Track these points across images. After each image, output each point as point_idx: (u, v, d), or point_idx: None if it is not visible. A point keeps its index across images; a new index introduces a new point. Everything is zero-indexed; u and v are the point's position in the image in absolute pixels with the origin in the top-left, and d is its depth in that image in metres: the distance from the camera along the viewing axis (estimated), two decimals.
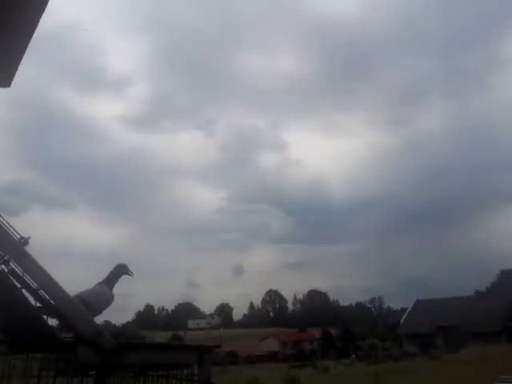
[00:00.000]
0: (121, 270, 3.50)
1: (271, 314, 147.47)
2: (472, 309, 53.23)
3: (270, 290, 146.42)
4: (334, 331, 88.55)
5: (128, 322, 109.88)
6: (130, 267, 3.64)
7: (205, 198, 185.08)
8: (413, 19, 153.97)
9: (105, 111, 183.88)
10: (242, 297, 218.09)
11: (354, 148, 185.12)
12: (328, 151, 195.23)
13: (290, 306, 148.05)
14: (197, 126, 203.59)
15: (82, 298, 2.87)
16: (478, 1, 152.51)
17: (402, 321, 64.35)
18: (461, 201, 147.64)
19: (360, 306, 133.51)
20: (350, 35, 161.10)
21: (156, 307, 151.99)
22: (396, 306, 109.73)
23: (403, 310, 71.55)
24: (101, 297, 3.20)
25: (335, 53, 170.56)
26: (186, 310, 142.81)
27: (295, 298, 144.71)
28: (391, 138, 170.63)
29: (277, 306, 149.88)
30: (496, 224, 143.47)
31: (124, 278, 3.65)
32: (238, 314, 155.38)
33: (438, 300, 60.32)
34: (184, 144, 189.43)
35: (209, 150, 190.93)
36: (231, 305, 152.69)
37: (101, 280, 3.40)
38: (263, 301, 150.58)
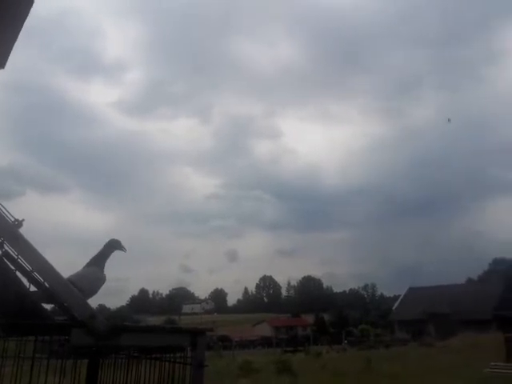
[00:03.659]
0: (113, 246, 3.41)
1: (265, 299, 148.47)
2: (463, 297, 53.84)
3: (265, 276, 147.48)
4: (327, 317, 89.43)
5: (122, 306, 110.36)
6: (126, 252, 3.60)
7: (199, 185, 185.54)
8: (409, 10, 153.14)
9: (100, 96, 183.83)
10: (237, 282, 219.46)
11: (349, 137, 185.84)
12: (323, 140, 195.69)
13: (284, 292, 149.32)
14: (192, 113, 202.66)
15: (71, 281, 2.86)
16: None
17: (394, 308, 65.04)
18: (454, 190, 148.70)
19: (353, 292, 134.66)
20: (347, 25, 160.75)
21: (151, 292, 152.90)
22: (389, 293, 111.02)
23: (396, 297, 72.23)
24: (90, 278, 3.17)
25: (333, 42, 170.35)
26: (181, 295, 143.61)
27: (289, 284, 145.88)
28: (385, 127, 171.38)
29: (271, 291, 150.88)
30: (489, 213, 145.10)
31: (119, 262, 3.64)
32: (232, 300, 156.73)
33: (430, 288, 60.85)
34: (179, 131, 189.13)
35: (204, 137, 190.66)
36: (225, 290, 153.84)
37: (91, 259, 3.33)
38: (257, 286, 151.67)
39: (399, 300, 65.39)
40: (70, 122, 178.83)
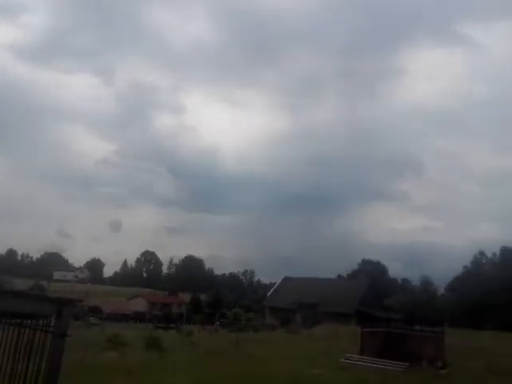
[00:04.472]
0: None
1: (144, 274, 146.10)
2: (332, 290, 57.96)
3: (147, 251, 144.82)
4: (204, 298, 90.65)
5: None
6: None
7: (91, 148, 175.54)
8: (324, 16, 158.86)
9: None
10: (116, 254, 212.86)
11: (250, 125, 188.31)
12: (225, 124, 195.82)
13: (165, 270, 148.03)
14: (94, 71, 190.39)
15: None
16: (380, 13, 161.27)
17: (268, 294, 67.89)
18: (339, 191, 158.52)
19: (233, 276, 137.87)
20: (266, 17, 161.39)
21: (20, 253, 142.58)
22: (266, 281, 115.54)
23: (272, 285, 75.35)
24: None
25: (248, 29, 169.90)
26: (53, 261, 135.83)
27: (171, 261, 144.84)
28: (285, 122, 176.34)
29: (151, 267, 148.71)
30: (365, 217, 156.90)
31: None
32: (109, 271, 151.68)
33: (304, 279, 64.46)
34: (77, 87, 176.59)
35: (103, 99, 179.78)
36: (103, 261, 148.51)
37: None
38: (138, 261, 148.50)
39: (274, 288, 68.34)
40: None
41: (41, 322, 2.81)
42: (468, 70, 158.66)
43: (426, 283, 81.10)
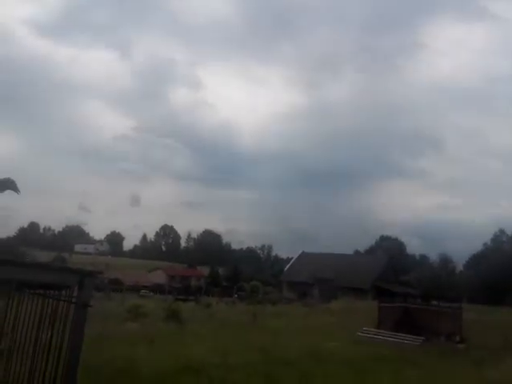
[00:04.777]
0: (5, 185, 3.19)
1: (163, 248, 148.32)
2: (349, 266, 58.10)
3: (166, 225, 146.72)
4: (222, 271, 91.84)
5: (9, 238, 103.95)
6: (18, 180, 3.36)
7: (110, 123, 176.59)
8: None
9: (8, 9, 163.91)
10: (136, 228, 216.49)
11: (268, 101, 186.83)
12: (242, 99, 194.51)
13: (183, 243, 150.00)
14: (111, 46, 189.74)
15: None
16: None
17: (285, 269, 68.45)
18: (356, 167, 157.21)
19: (250, 250, 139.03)
20: None
21: (42, 226, 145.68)
22: (283, 255, 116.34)
23: (289, 260, 75.96)
24: None
25: (265, 5, 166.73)
26: (75, 233, 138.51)
27: (189, 235, 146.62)
28: (303, 98, 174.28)
29: (170, 241, 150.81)
30: (384, 194, 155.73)
31: (8, 192, 3.39)
32: (129, 245, 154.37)
33: (321, 254, 64.74)
34: (95, 62, 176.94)
35: (121, 74, 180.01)
36: (123, 234, 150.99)
37: None
38: (157, 234, 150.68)
39: (291, 262, 68.86)
40: None
41: (63, 292, 2.88)
42: (490, 45, 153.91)
43: (445, 260, 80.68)
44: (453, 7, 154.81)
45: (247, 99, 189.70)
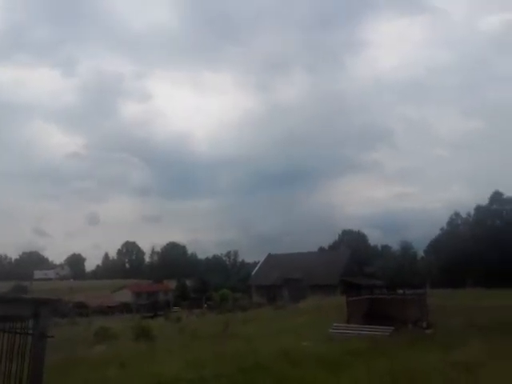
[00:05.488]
0: None
1: (127, 265, 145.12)
2: (315, 264, 58.69)
3: (127, 242, 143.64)
4: (189, 283, 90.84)
5: None
6: None
7: (59, 143, 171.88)
8: None
9: None
10: (96, 247, 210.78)
11: (220, 107, 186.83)
12: (194, 107, 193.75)
13: (147, 259, 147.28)
14: (55, 64, 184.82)
15: None
16: None
17: (253, 273, 68.40)
18: (311, 166, 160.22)
19: (216, 258, 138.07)
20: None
21: None
22: (250, 260, 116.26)
23: (256, 264, 75.87)
24: None
25: (210, 10, 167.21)
26: (33, 260, 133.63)
27: (153, 250, 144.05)
28: (255, 101, 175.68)
29: (133, 257, 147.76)
30: (340, 189, 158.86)
31: None
32: (91, 265, 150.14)
33: (287, 255, 65.10)
34: (38, 81, 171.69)
35: (67, 92, 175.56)
36: (84, 255, 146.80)
37: None
38: (119, 252, 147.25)
39: (258, 266, 68.85)
40: None
41: (19, 324, 2.76)
42: (429, 38, 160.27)
43: (406, 248, 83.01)
44: (393, 2, 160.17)
45: (199, 106, 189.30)
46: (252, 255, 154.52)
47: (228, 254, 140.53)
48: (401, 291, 22.26)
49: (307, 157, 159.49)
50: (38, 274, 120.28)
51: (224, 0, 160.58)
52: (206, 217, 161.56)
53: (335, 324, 19.37)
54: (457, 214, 76.72)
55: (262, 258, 70.69)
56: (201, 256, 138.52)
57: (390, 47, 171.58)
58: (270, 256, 68.44)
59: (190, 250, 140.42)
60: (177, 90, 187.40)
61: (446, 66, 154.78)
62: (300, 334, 17.92)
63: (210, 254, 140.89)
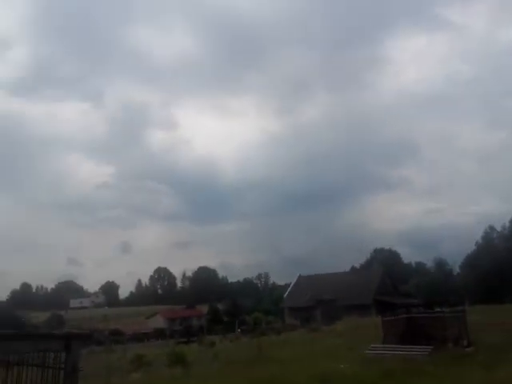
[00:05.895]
0: None
1: (159, 291, 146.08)
2: (348, 284, 57.74)
3: (159, 268, 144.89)
4: (221, 307, 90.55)
5: (2, 302, 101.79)
6: (3, 242, 3.28)
7: (90, 173, 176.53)
8: (301, 14, 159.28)
9: None
10: (129, 275, 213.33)
11: (244, 131, 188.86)
12: (219, 132, 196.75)
13: (179, 283, 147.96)
14: (83, 98, 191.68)
15: None
16: (360, 4, 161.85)
17: (285, 295, 67.70)
18: (339, 185, 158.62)
19: (247, 281, 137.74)
20: (246, 24, 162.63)
21: (34, 286, 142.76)
22: (280, 282, 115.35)
23: (287, 286, 75.17)
24: None
25: (231, 38, 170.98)
26: (68, 289, 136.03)
27: (184, 275, 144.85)
28: (278, 124, 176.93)
29: (165, 283, 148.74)
30: (370, 207, 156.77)
31: None
32: (124, 293, 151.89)
33: (319, 275, 64.28)
34: (68, 115, 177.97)
35: (95, 124, 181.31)
36: (117, 283, 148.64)
37: None
38: (151, 278, 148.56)
39: (290, 288, 68.17)
40: None
41: (51, 359, 2.81)
42: (451, 52, 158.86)
43: (440, 264, 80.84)
44: (410, 20, 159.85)
45: (223, 130, 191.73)
46: (282, 277, 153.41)
47: (259, 277, 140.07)
48: (438, 309, 21.63)
49: (334, 176, 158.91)
50: (73, 302, 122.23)
51: (246, 26, 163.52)
52: (235, 240, 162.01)
53: (372, 345, 18.90)
54: (491, 228, 74.58)
55: (292, 280, 69.99)
56: (231, 279, 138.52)
57: (412, 62, 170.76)
58: (300, 277, 67.73)
59: (220, 274, 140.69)
60: (201, 116, 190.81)
61: (468, 79, 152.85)
62: (336, 356, 17.53)
63: (240, 277, 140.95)
